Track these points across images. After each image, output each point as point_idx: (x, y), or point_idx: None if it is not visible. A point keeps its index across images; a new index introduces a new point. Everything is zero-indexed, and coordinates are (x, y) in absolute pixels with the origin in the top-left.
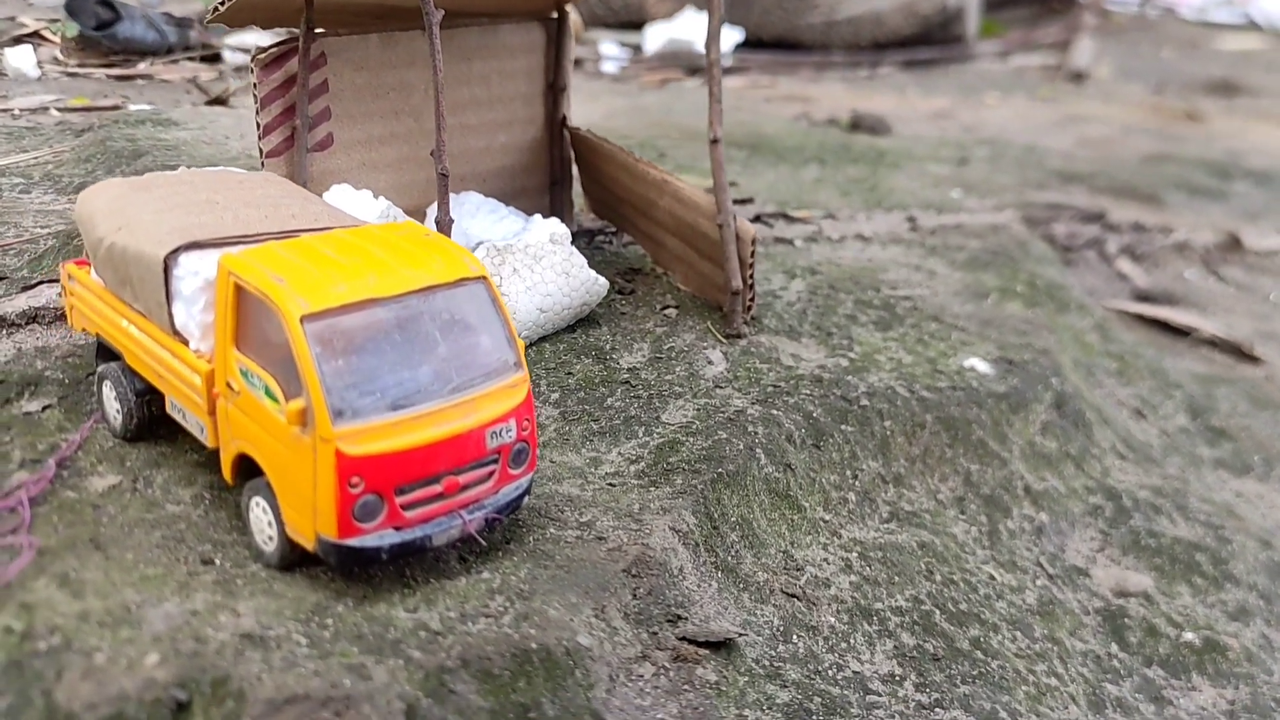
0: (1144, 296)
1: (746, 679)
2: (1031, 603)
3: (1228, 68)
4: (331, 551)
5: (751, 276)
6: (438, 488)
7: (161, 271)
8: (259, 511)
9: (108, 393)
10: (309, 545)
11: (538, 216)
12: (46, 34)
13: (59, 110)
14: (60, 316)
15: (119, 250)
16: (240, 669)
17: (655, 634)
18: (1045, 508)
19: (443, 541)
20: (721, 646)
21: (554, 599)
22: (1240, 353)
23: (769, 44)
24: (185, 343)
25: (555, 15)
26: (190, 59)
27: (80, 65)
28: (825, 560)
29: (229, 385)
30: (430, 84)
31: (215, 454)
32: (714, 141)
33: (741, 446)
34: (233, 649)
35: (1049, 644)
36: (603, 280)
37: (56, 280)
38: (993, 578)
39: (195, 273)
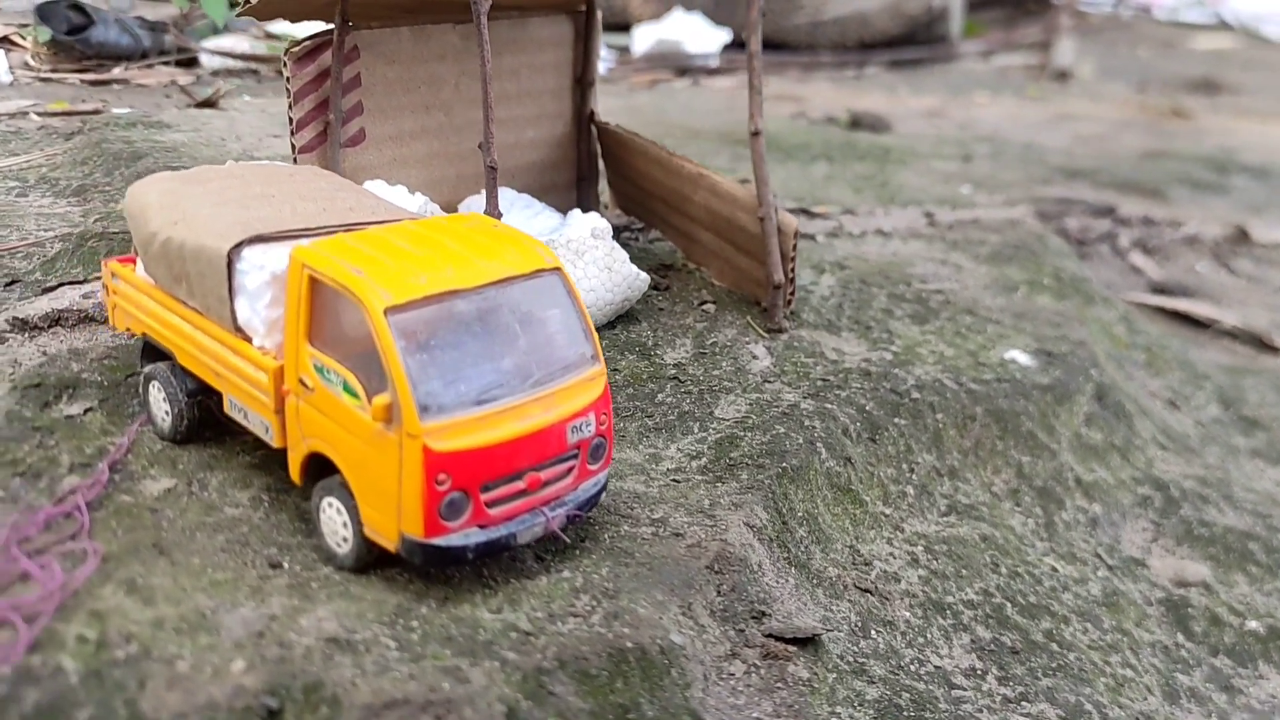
0: (1160, 289)
1: (835, 675)
2: (1096, 594)
3: (1206, 66)
4: (417, 551)
5: (793, 270)
6: (520, 484)
7: (224, 266)
8: (332, 513)
9: (155, 394)
10: (390, 545)
11: (576, 211)
12: (17, 39)
13: (39, 115)
14: (84, 319)
15: (175, 245)
16: (331, 674)
17: (742, 631)
18: (1097, 499)
19: (527, 540)
20: (808, 643)
21: (640, 597)
22: (1261, 343)
23: None
24: (248, 339)
25: (584, 8)
26: (166, 64)
27: (53, 70)
28: (891, 555)
29: (302, 382)
30: (460, 78)
31: (273, 455)
32: (755, 134)
33: (801, 441)
34: (320, 654)
35: (1119, 635)
36: (644, 275)
37: (77, 282)
38: (1055, 570)
39: (260, 266)
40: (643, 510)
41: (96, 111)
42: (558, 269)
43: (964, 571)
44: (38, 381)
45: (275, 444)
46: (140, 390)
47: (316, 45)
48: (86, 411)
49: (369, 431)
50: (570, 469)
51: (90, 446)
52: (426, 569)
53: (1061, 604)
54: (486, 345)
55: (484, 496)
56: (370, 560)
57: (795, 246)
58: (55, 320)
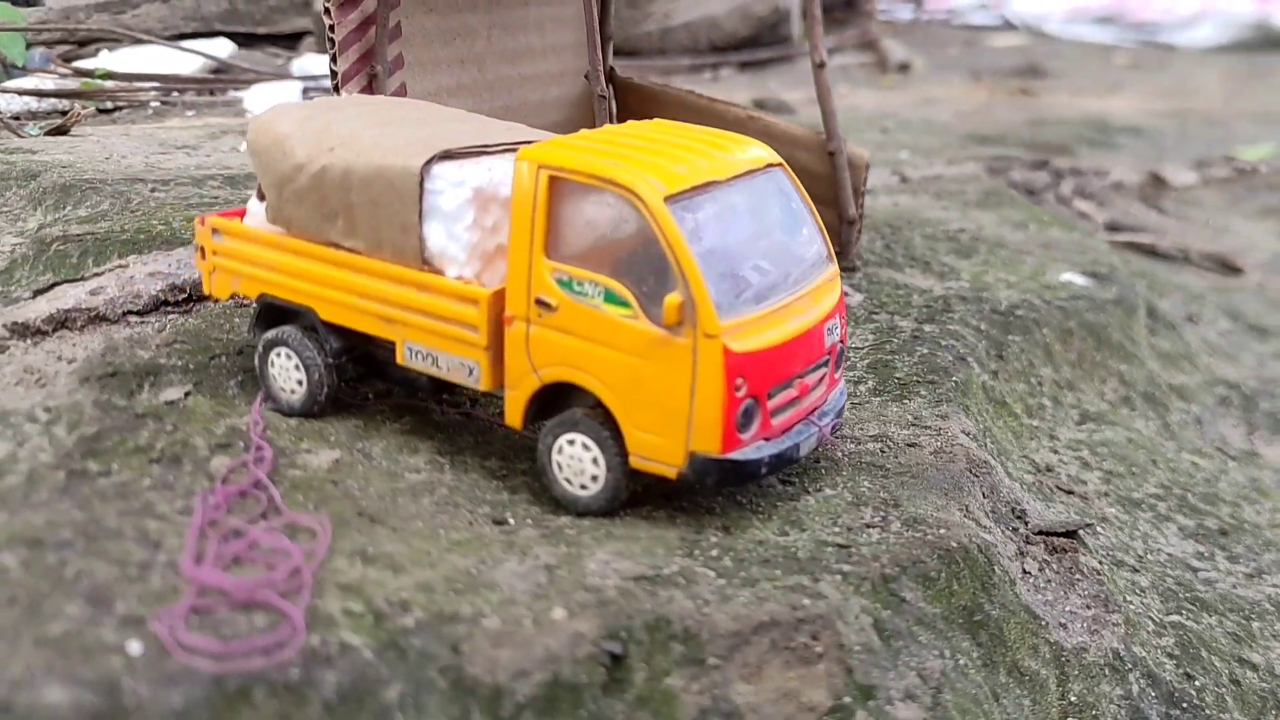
0: (1114, 227)
1: (1107, 567)
2: (1241, 481)
3: (1014, 59)
4: (711, 470)
5: (862, 204)
6: (793, 392)
7: (415, 186)
8: (575, 450)
9: (283, 363)
10: (671, 471)
11: None
12: None
13: None
14: (96, 319)
15: (336, 173)
16: (670, 609)
17: (1016, 530)
18: (1191, 400)
19: (806, 451)
20: (1073, 537)
21: (920, 503)
22: (1227, 266)
23: None
24: (438, 271)
25: None
26: None
27: None
28: (1061, 461)
29: (539, 302)
30: (490, 30)
31: (428, 420)
32: (820, 65)
33: (951, 359)
34: (641, 592)
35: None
36: None
37: (75, 280)
38: (1196, 464)
39: (458, 183)
40: (850, 429)
41: None
42: (781, 165)
43: (1133, 470)
44: (111, 371)
45: (482, 386)
46: (257, 362)
47: None
48: (187, 395)
49: (645, 342)
50: (823, 376)
51: (218, 427)
52: (721, 488)
53: (1223, 491)
54: (752, 239)
55: (769, 404)
56: (624, 499)
57: (866, 180)
58: (60, 323)
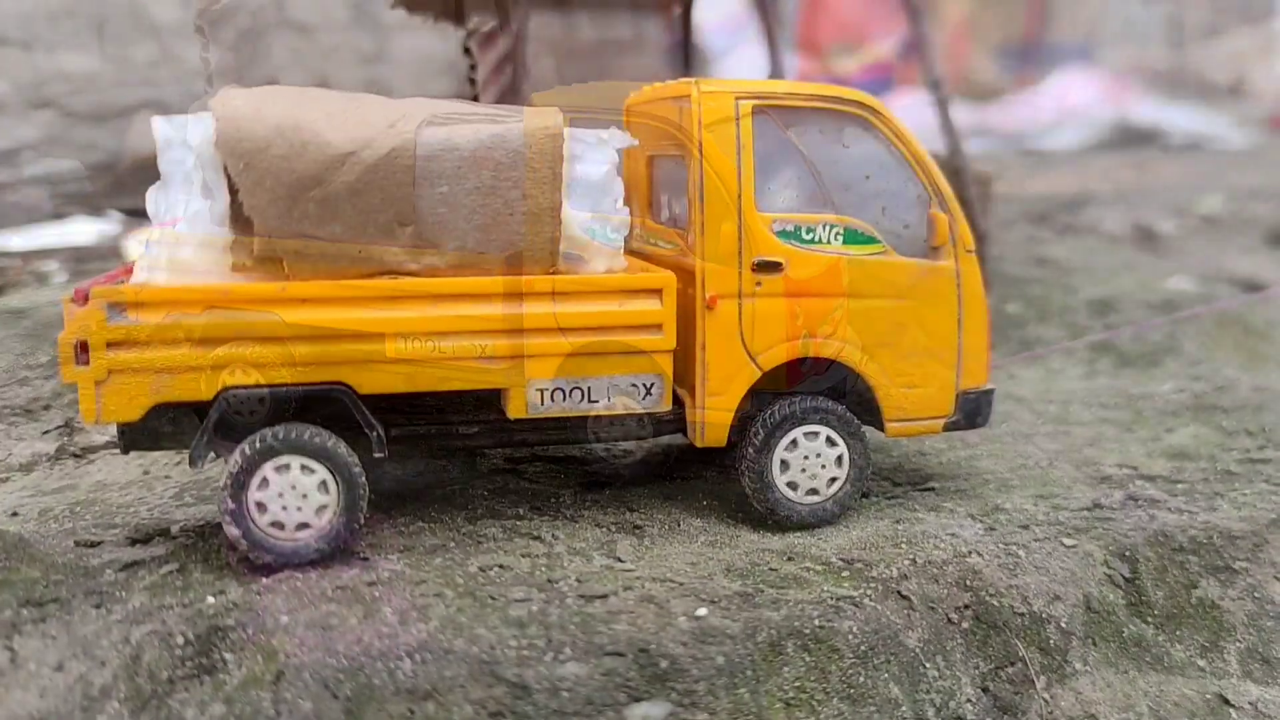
0: None
1: None
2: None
3: None
4: (981, 405)
5: None
6: None
7: (558, 147)
8: (818, 444)
9: (292, 481)
10: (937, 425)
11: None
12: None
13: None
14: None
15: (419, 155)
16: (1159, 525)
17: None
18: None
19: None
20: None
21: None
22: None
23: None
24: (574, 270)
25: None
26: None
27: None
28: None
29: (760, 267)
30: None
31: (454, 494)
32: None
33: None
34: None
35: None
36: None
37: None
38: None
39: (596, 141)
40: None
41: None
42: None
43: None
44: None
45: (665, 405)
46: (225, 496)
47: (495, 28)
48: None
49: (908, 276)
50: None
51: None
52: (977, 424)
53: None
54: None
55: None
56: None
57: None
58: None
